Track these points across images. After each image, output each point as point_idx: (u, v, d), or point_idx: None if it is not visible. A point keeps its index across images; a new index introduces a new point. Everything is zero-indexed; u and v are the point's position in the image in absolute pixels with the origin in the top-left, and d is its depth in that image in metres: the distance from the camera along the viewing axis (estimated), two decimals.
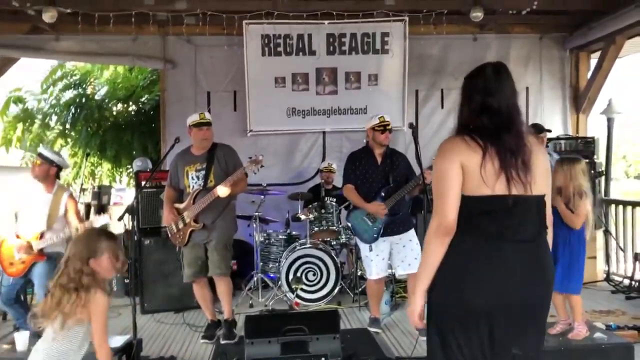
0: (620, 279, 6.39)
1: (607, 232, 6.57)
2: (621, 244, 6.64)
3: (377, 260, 4.72)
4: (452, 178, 2.13)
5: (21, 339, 3.82)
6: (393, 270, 5.12)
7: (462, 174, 2.12)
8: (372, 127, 4.77)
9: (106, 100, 9.39)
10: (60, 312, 2.61)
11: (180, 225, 4.61)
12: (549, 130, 5.94)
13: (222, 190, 4.43)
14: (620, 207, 6.72)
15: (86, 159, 7.60)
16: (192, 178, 4.65)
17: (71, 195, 4.68)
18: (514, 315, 2.13)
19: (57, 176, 4.67)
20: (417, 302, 2.23)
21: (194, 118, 4.69)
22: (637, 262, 6.15)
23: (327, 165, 6.70)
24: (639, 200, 6.70)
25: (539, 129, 5.76)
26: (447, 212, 2.13)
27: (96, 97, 9.37)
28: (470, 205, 2.13)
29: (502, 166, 2.10)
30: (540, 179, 2.18)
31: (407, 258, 4.71)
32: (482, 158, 2.10)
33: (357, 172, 4.78)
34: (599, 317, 4.90)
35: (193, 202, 4.57)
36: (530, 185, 2.13)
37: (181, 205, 4.65)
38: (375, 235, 4.67)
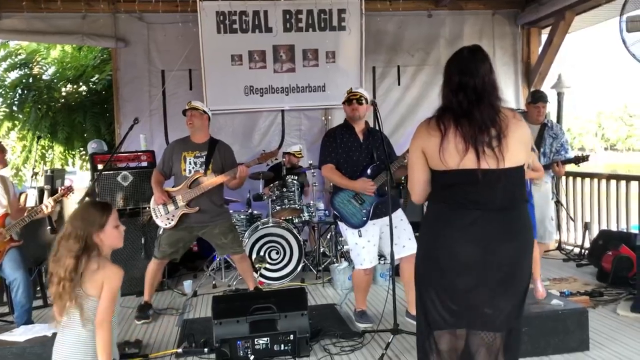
0: (571, 248, 6.67)
1: (558, 203, 6.78)
2: (571, 214, 6.92)
3: (368, 247, 4.25)
4: (414, 161, 2.43)
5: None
6: (384, 255, 4.81)
7: (424, 156, 2.36)
8: (343, 102, 4.41)
9: (55, 81, 9.03)
10: (74, 295, 2.45)
11: (171, 208, 4.70)
12: (546, 101, 5.35)
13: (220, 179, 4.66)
14: (570, 178, 6.97)
15: (37, 142, 7.31)
16: (190, 163, 4.75)
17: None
18: (477, 274, 2.28)
19: None
20: None
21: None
22: (587, 231, 6.43)
23: (299, 150, 6.74)
24: (586, 171, 6.91)
25: (534, 98, 5.31)
26: (413, 190, 2.49)
27: (44, 77, 9.01)
28: (437, 179, 2.38)
29: (470, 142, 2.24)
30: (516, 150, 2.27)
31: (400, 240, 4.23)
32: (441, 140, 2.28)
33: (338, 150, 4.31)
34: (553, 285, 5.11)
35: (189, 187, 4.67)
36: (504, 158, 2.24)
37: (174, 189, 4.75)
38: (364, 219, 4.20)
